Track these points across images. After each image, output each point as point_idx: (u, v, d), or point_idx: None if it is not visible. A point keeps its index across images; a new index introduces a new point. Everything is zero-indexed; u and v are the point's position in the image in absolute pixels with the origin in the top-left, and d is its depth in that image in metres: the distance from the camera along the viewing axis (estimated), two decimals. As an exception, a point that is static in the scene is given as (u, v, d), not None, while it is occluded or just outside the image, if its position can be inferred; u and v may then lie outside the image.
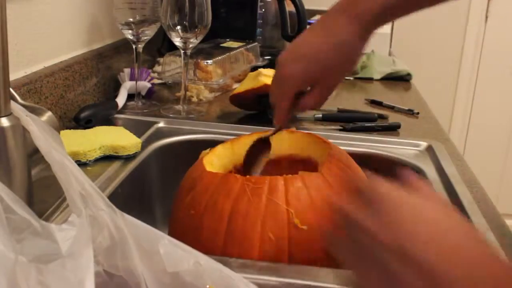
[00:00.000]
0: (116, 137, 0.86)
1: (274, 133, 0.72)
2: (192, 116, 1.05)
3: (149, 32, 1.03)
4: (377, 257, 0.37)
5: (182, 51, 1.02)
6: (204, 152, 0.73)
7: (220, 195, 0.60)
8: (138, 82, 1.09)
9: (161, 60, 1.29)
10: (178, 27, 0.99)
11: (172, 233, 0.65)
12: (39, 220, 0.44)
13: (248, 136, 0.76)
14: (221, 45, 1.31)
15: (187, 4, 0.98)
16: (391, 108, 1.17)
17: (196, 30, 0.99)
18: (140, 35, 1.02)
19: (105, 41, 1.18)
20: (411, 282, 0.35)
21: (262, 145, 0.73)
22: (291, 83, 0.69)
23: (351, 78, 1.45)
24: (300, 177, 0.61)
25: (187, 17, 0.98)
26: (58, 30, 0.98)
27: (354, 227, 0.39)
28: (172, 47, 1.11)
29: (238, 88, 1.04)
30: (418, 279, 0.34)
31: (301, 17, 1.37)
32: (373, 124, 1.04)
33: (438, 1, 0.68)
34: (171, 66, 1.19)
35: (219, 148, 0.74)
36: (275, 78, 0.71)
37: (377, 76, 1.48)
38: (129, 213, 0.47)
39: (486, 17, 2.37)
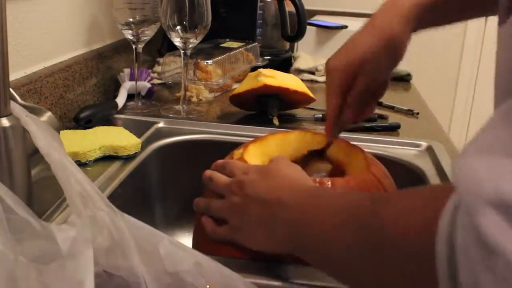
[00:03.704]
0: (116, 137, 0.86)
1: (326, 147, 0.72)
2: (192, 116, 1.05)
3: (149, 32, 1.03)
4: (228, 196, 0.58)
5: (182, 51, 1.02)
6: (237, 152, 0.72)
7: None
8: (138, 82, 1.09)
9: (161, 60, 1.29)
10: (178, 27, 0.99)
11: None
12: (39, 220, 0.44)
13: (274, 135, 0.75)
14: (221, 45, 1.31)
15: (187, 4, 0.98)
16: (391, 108, 1.17)
17: (196, 30, 0.99)
18: (140, 35, 1.02)
19: (105, 41, 1.18)
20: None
21: (316, 157, 0.72)
22: (334, 76, 0.69)
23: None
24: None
25: (187, 17, 0.98)
26: (58, 30, 0.98)
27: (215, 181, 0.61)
28: (172, 47, 1.11)
29: (238, 88, 1.04)
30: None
31: (301, 17, 1.38)
32: (373, 124, 1.04)
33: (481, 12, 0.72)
34: (171, 66, 1.19)
35: (250, 148, 0.72)
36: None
37: (377, 76, 1.47)
38: (129, 213, 0.47)
39: (486, 17, 2.37)
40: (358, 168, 0.68)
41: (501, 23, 0.33)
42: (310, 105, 1.10)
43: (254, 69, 1.15)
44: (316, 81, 1.42)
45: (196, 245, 0.65)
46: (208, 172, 0.64)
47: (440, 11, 0.69)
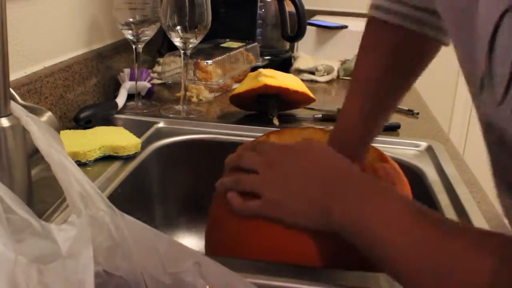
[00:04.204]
0: (116, 138, 0.86)
1: None
2: (192, 116, 1.05)
3: (149, 32, 1.03)
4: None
5: (182, 51, 1.02)
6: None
7: None
8: (138, 82, 1.09)
9: (161, 60, 1.29)
10: (178, 27, 0.99)
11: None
12: (39, 220, 0.44)
13: (290, 130, 0.75)
14: (221, 45, 1.31)
15: (187, 4, 0.98)
16: (391, 108, 1.17)
17: (196, 30, 0.99)
18: (140, 35, 1.02)
19: (105, 41, 1.18)
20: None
21: None
22: None
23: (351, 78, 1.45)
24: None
25: (187, 17, 0.98)
26: (58, 30, 0.98)
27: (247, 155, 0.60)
28: (172, 47, 1.11)
29: (238, 88, 1.04)
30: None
31: (301, 17, 1.38)
32: (373, 124, 1.03)
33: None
34: (171, 66, 1.19)
35: (272, 137, 0.73)
36: None
37: (377, 76, 1.47)
38: (129, 213, 0.47)
39: (486, 17, 2.37)
40: (372, 160, 0.69)
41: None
42: (310, 105, 1.10)
43: (254, 69, 1.15)
44: (316, 81, 1.41)
45: (214, 229, 0.63)
46: (234, 154, 0.63)
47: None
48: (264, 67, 1.15)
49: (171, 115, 1.04)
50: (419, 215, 0.47)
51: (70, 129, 0.91)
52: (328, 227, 0.52)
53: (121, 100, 1.05)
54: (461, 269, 0.41)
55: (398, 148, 0.95)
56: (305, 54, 1.56)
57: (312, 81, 1.41)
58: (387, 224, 0.48)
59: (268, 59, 1.39)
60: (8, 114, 0.53)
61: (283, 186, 0.56)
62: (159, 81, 1.25)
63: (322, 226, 0.53)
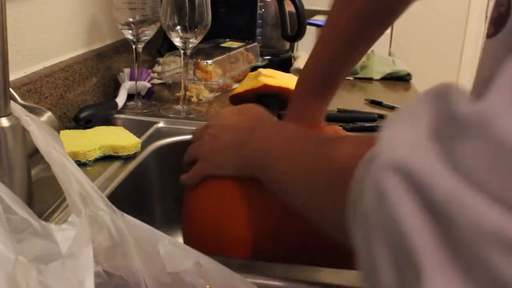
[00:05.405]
0: (116, 137, 0.86)
1: None
2: (192, 116, 1.05)
3: (149, 32, 1.03)
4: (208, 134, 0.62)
5: (182, 51, 1.02)
6: None
7: None
8: (138, 82, 1.09)
9: (161, 60, 1.29)
10: (178, 27, 0.99)
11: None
12: (39, 220, 0.44)
13: None
14: (221, 45, 1.31)
15: (187, 4, 0.98)
16: (391, 108, 1.17)
17: (196, 30, 0.99)
18: (140, 35, 1.02)
19: (105, 41, 1.18)
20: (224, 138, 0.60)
21: None
22: None
23: (351, 78, 1.45)
24: None
25: (187, 17, 0.98)
26: (58, 30, 0.98)
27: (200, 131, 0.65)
28: (172, 47, 1.11)
29: (238, 88, 1.04)
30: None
31: (301, 17, 1.38)
32: (373, 124, 1.04)
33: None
34: (171, 66, 1.19)
35: None
36: None
37: (377, 76, 1.48)
38: (129, 213, 0.47)
39: (486, 17, 2.37)
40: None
41: (489, 36, 0.33)
42: (310, 105, 1.10)
43: (254, 69, 1.15)
44: (316, 81, 1.41)
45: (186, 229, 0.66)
46: None
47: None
48: (264, 67, 1.15)
49: (171, 115, 1.04)
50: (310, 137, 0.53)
51: (70, 129, 0.91)
52: (248, 173, 0.57)
53: (121, 100, 1.05)
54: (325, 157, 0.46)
55: (398, 148, 0.95)
56: (305, 54, 1.56)
57: (312, 81, 1.41)
58: (280, 147, 0.54)
59: (268, 59, 1.39)
60: (8, 114, 0.53)
61: (213, 144, 0.61)
62: (159, 81, 1.25)
63: (243, 173, 0.58)
